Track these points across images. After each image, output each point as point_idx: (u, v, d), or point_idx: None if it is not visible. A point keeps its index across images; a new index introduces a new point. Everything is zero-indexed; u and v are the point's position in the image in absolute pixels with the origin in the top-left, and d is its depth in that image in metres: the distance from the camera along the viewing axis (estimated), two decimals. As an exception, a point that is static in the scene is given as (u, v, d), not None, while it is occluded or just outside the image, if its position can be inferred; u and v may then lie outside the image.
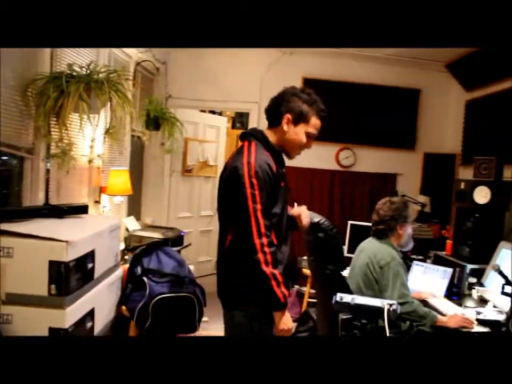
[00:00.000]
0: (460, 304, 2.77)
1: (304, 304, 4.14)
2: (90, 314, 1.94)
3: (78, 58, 2.64)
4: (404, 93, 4.80)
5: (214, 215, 5.28)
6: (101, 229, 2.07)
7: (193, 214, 5.02)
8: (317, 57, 4.65)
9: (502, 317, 2.45)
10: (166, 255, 2.39)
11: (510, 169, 3.41)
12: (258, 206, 1.61)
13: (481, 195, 3.26)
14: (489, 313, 2.56)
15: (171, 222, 4.54)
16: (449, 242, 3.54)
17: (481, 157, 3.48)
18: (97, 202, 3.13)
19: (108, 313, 2.16)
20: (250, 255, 1.61)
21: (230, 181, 1.69)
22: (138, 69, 3.89)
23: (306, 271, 4.04)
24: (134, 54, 3.69)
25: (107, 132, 2.72)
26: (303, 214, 1.94)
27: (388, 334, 1.77)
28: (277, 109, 1.82)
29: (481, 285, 2.90)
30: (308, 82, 4.61)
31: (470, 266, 3.11)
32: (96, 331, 2.01)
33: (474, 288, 2.86)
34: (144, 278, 2.17)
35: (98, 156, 2.99)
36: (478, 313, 2.55)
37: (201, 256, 5.02)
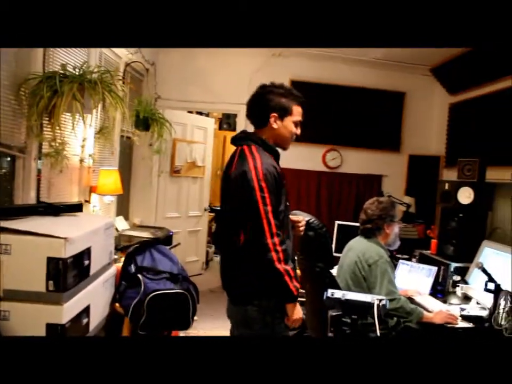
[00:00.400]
0: (444, 301, 2.82)
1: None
2: (86, 311, 1.95)
3: (69, 59, 2.65)
4: (389, 96, 4.90)
5: (202, 215, 5.31)
6: (96, 227, 2.08)
7: (181, 214, 5.04)
8: (305, 59, 4.73)
9: (485, 313, 2.51)
10: (160, 253, 2.41)
11: (493, 170, 3.50)
12: (269, 208, 1.70)
13: (465, 195, 3.34)
14: (472, 309, 2.62)
15: (159, 222, 4.54)
16: (434, 242, 3.62)
17: (465, 158, 3.56)
18: (87, 201, 3.13)
19: (102, 310, 2.17)
20: (264, 254, 1.70)
21: (239, 186, 1.75)
22: (128, 69, 3.90)
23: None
24: (123, 55, 3.70)
25: (100, 131, 2.73)
26: (302, 222, 2.04)
27: (377, 329, 1.82)
28: (260, 111, 1.89)
29: (465, 282, 2.96)
30: (295, 84, 4.66)
31: (454, 265, 3.19)
32: (92, 327, 2.02)
33: (458, 286, 2.92)
34: (139, 275, 2.19)
35: (89, 155, 3.00)
36: (462, 309, 2.60)
37: (189, 256, 5.03)
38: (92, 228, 2.03)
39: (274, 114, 1.86)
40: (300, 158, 4.79)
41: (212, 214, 5.59)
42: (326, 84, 4.81)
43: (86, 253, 1.93)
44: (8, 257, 1.68)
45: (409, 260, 3.61)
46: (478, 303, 2.71)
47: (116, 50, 3.51)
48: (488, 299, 2.50)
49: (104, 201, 3.36)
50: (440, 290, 3.08)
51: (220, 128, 7.16)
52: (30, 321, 1.71)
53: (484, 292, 2.53)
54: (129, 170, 4.48)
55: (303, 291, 3.84)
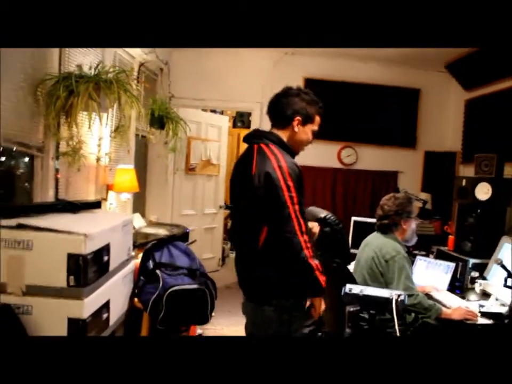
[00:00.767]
0: (463, 298, 2.80)
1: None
2: (106, 306, 1.96)
3: (84, 59, 2.68)
4: (404, 93, 4.88)
5: (218, 212, 5.33)
6: (115, 223, 2.09)
7: (197, 212, 5.06)
8: (318, 57, 4.71)
9: (504, 309, 2.49)
10: (177, 249, 2.43)
11: (510, 166, 3.46)
12: (297, 207, 1.71)
13: (483, 191, 3.31)
14: (492, 306, 2.60)
15: (175, 219, 4.57)
16: (451, 238, 3.59)
17: (482, 154, 3.52)
18: (104, 199, 3.16)
19: (122, 305, 2.19)
20: (297, 252, 1.70)
21: (265, 186, 1.73)
22: (142, 69, 3.93)
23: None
24: (137, 54, 3.73)
25: (116, 130, 2.76)
26: (315, 228, 2.06)
27: (396, 325, 1.81)
28: (285, 111, 1.89)
29: (484, 278, 2.93)
30: (309, 82, 4.67)
31: (472, 261, 3.16)
32: (111, 322, 2.03)
33: (476, 282, 2.89)
34: (157, 271, 2.20)
35: (106, 154, 3.03)
36: (481, 306, 2.58)
37: (204, 253, 5.06)
38: (111, 225, 2.04)
39: (299, 118, 1.88)
40: (315, 155, 4.78)
41: (227, 211, 5.62)
42: (340, 81, 4.80)
43: (105, 249, 1.94)
44: (30, 253, 1.71)
45: (426, 256, 3.58)
46: (497, 300, 2.68)
47: (130, 50, 3.54)
48: (508, 295, 2.47)
49: (121, 199, 3.39)
50: (458, 286, 3.06)
51: (234, 126, 7.17)
52: (52, 315, 1.72)
53: (503, 288, 2.50)
54: (145, 168, 4.51)
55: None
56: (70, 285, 1.73)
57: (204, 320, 2.25)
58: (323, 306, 1.87)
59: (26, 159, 2.37)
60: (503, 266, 2.43)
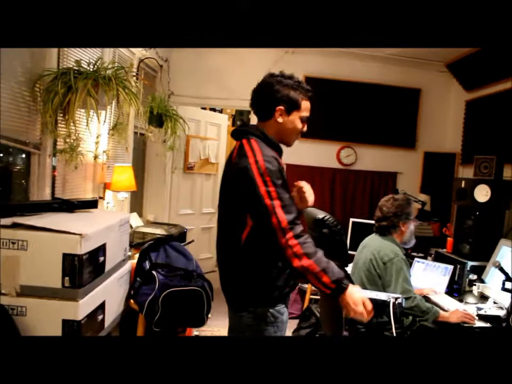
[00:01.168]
0: (460, 300, 2.79)
1: (306, 301, 4.17)
2: (102, 307, 1.95)
3: (83, 55, 2.66)
4: (405, 92, 4.85)
5: (216, 212, 5.31)
6: (111, 223, 2.07)
7: (195, 211, 5.04)
8: (318, 56, 4.69)
9: (502, 313, 2.49)
10: (174, 250, 2.41)
11: (510, 168, 3.45)
12: (276, 202, 1.55)
13: (482, 193, 3.29)
14: (489, 309, 2.59)
15: (173, 219, 4.56)
16: (449, 240, 3.58)
17: (482, 156, 3.51)
18: (101, 198, 3.14)
19: (117, 306, 2.17)
20: (283, 253, 1.56)
21: (242, 183, 1.61)
22: (141, 66, 3.91)
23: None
24: (137, 51, 3.70)
25: (114, 128, 2.73)
26: (306, 187, 1.90)
27: (393, 328, 1.79)
28: (266, 102, 1.74)
29: (482, 281, 2.92)
30: (309, 81, 4.64)
31: (470, 263, 3.15)
32: (107, 324, 2.02)
33: (475, 285, 2.88)
34: (153, 272, 2.18)
35: (104, 152, 3.01)
36: (479, 309, 2.58)
37: (202, 253, 5.04)
38: (107, 224, 2.02)
39: (281, 107, 1.71)
40: (314, 155, 4.77)
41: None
42: (341, 81, 4.77)
43: (101, 249, 1.92)
44: (25, 253, 1.69)
45: (424, 258, 3.59)
46: (495, 303, 2.67)
47: (130, 47, 3.52)
48: (506, 298, 2.47)
49: (118, 198, 3.37)
50: (456, 289, 3.05)
51: (233, 124, 7.14)
52: (46, 317, 1.71)
53: (501, 291, 2.50)
54: (143, 167, 4.50)
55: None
56: (65, 286, 1.71)
57: (200, 322, 2.23)
58: (355, 305, 1.56)
59: (23, 156, 2.34)
60: (501, 269, 2.42)
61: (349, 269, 2.91)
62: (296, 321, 3.88)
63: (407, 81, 4.85)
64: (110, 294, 2.05)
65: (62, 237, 1.71)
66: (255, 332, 1.67)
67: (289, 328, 3.80)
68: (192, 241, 3.37)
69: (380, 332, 2.42)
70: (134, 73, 3.17)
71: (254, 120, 5.24)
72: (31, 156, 2.34)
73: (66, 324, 1.71)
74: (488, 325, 2.43)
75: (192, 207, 5.01)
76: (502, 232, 3.35)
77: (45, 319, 1.71)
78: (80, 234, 1.71)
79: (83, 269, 1.73)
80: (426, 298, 2.76)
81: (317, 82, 4.66)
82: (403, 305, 1.80)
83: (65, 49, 2.49)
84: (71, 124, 2.31)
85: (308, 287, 4.19)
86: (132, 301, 2.30)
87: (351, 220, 4.30)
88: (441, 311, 2.51)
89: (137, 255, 2.39)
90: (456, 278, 3.12)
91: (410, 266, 3.12)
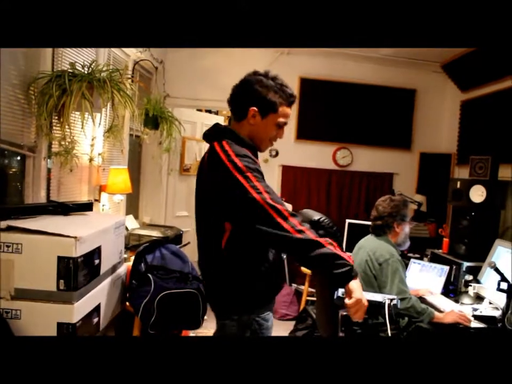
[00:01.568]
0: (456, 301, 2.80)
1: (303, 303, 4.17)
2: (97, 310, 1.94)
3: (78, 57, 2.65)
4: (400, 93, 4.86)
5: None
6: (107, 225, 2.06)
7: (191, 213, 5.00)
8: (314, 57, 4.69)
9: (498, 313, 2.49)
10: (170, 252, 2.40)
11: (505, 168, 3.46)
12: (266, 195, 1.46)
13: (477, 194, 3.31)
14: (485, 309, 2.60)
15: (169, 221, 4.54)
16: (445, 241, 3.58)
17: (477, 156, 3.52)
18: (97, 200, 3.13)
19: (113, 309, 2.16)
20: (291, 245, 1.44)
21: (219, 187, 1.53)
22: (136, 68, 3.90)
23: (305, 270, 4.07)
24: (132, 53, 3.70)
25: (109, 130, 2.73)
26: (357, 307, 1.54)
27: (388, 329, 1.79)
28: (241, 100, 1.65)
29: (478, 282, 2.93)
30: (304, 82, 4.66)
31: (466, 264, 3.16)
32: (102, 326, 2.01)
33: (470, 285, 2.88)
34: (149, 275, 2.17)
35: (99, 154, 3.00)
36: (475, 309, 2.59)
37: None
38: (102, 227, 2.01)
39: (254, 108, 1.61)
40: (310, 156, 4.77)
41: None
42: (336, 81, 4.77)
43: (96, 252, 1.92)
44: (19, 256, 1.68)
45: (420, 259, 3.59)
46: (490, 303, 2.69)
47: (125, 48, 3.51)
48: (501, 299, 2.47)
49: (114, 200, 3.36)
50: (452, 290, 3.06)
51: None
52: (41, 320, 1.70)
53: (496, 292, 2.50)
54: (139, 169, 4.48)
55: (313, 290, 3.84)
56: (59, 289, 1.70)
57: (196, 324, 2.22)
58: (356, 299, 1.48)
59: (18, 158, 2.34)
60: (497, 270, 2.42)
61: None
62: (293, 323, 3.89)
63: (403, 82, 4.85)
64: (105, 297, 2.04)
65: (57, 240, 1.70)
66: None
67: (286, 330, 3.83)
68: (188, 243, 3.36)
69: (376, 333, 2.42)
70: (129, 76, 3.16)
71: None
72: (26, 158, 2.33)
73: (61, 326, 1.70)
74: (483, 325, 2.44)
75: (189, 209, 4.99)
76: (498, 233, 3.36)
77: (39, 322, 1.70)
78: (75, 237, 1.70)
79: (78, 271, 1.72)
80: (422, 299, 2.77)
81: (312, 83, 4.68)
82: (398, 306, 1.80)
83: (60, 51, 2.49)
84: (66, 127, 2.31)
85: (304, 288, 4.20)
86: (127, 303, 2.29)
87: (347, 221, 4.31)
88: (436, 312, 2.52)
89: (133, 258, 2.38)
90: (452, 279, 3.12)
91: (406, 267, 3.13)
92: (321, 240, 1.46)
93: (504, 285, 2.39)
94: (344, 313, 1.91)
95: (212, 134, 1.69)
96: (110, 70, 2.47)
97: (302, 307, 4.07)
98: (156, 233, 3.20)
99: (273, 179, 4.70)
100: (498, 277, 2.42)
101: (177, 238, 3.36)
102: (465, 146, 4.44)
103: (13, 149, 2.21)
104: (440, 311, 2.59)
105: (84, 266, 1.79)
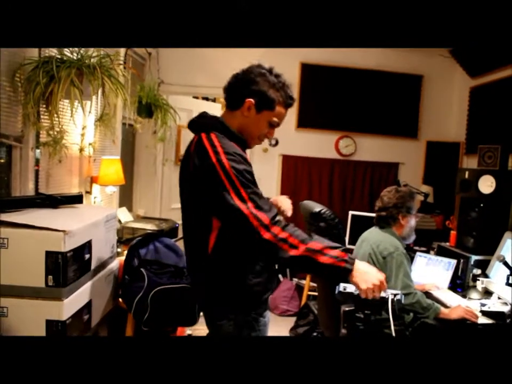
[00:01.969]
0: (464, 296, 2.76)
1: (304, 298, 4.10)
2: (88, 307, 1.91)
3: (68, 43, 2.56)
4: (406, 79, 4.75)
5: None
6: (97, 219, 2.02)
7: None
8: (316, 42, 4.57)
9: (506, 309, 2.45)
10: (164, 246, 2.34)
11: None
12: (250, 204, 1.43)
13: (486, 184, 3.24)
14: (493, 304, 2.56)
15: (164, 213, 4.47)
16: (453, 233, 3.51)
17: (486, 145, 3.46)
18: (88, 192, 3.06)
19: (105, 305, 2.12)
20: (272, 251, 1.43)
21: (204, 186, 1.49)
22: (129, 53, 3.78)
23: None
24: (126, 38, 3.58)
25: (100, 119, 2.65)
26: (283, 201, 1.80)
27: (392, 325, 1.72)
28: (240, 89, 1.61)
29: (486, 276, 2.87)
30: (305, 67, 4.56)
31: (474, 258, 3.08)
32: (93, 324, 1.97)
33: (478, 280, 2.83)
34: (142, 270, 2.12)
35: (90, 144, 2.92)
36: (483, 305, 2.55)
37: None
38: (92, 220, 1.97)
39: (252, 100, 1.58)
40: (312, 145, 4.68)
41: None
42: (338, 67, 4.66)
43: (87, 246, 1.89)
44: (5, 251, 1.64)
45: (427, 252, 3.53)
46: (499, 298, 2.63)
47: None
48: (510, 294, 2.42)
49: (106, 192, 3.28)
50: (459, 284, 3.00)
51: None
52: (29, 317, 1.67)
53: (505, 286, 2.45)
54: (132, 160, 4.40)
55: (315, 285, 3.77)
56: (48, 285, 1.68)
57: (192, 320, 2.17)
58: (365, 282, 1.48)
59: (4, 149, 2.26)
60: (506, 263, 2.36)
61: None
62: (294, 319, 3.83)
63: (409, 67, 4.74)
64: (96, 293, 2.01)
65: (45, 234, 1.67)
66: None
67: (286, 326, 3.77)
68: (184, 236, 3.30)
69: (379, 329, 2.35)
70: (121, 62, 3.05)
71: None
72: (13, 149, 2.25)
73: (50, 324, 1.68)
74: (491, 321, 2.39)
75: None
76: (507, 225, 3.27)
77: (27, 320, 1.68)
78: (63, 231, 1.67)
79: (67, 267, 1.70)
80: (428, 294, 2.72)
81: (314, 69, 4.57)
82: (402, 301, 1.74)
83: (48, 36, 2.39)
84: (54, 115, 2.22)
85: (305, 283, 4.13)
86: (120, 299, 2.24)
87: (350, 212, 4.23)
88: (442, 308, 2.46)
89: (126, 252, 2.32)
90: (459, 273, 3.07)
91: (412, 260, 3.07)
92: (305, 251, 1.42)
93: (513, 279, 2.34)
94: (346, 309, 1.85)
95: (200, 124, 1.65)
96: (101, 56, 2.38)
97: (303, 302, 4.00)
98: (150, 226, 3.14)
99: (273, 169, 4.61)
100: (507, 271, 2.36)
101: (173, 231, 3.29)
102: (474, 135, 4.37)
103: (-2, 139, 2.13)
104: (447, 307, 2.54)
105: (74, 261, 1.76)
